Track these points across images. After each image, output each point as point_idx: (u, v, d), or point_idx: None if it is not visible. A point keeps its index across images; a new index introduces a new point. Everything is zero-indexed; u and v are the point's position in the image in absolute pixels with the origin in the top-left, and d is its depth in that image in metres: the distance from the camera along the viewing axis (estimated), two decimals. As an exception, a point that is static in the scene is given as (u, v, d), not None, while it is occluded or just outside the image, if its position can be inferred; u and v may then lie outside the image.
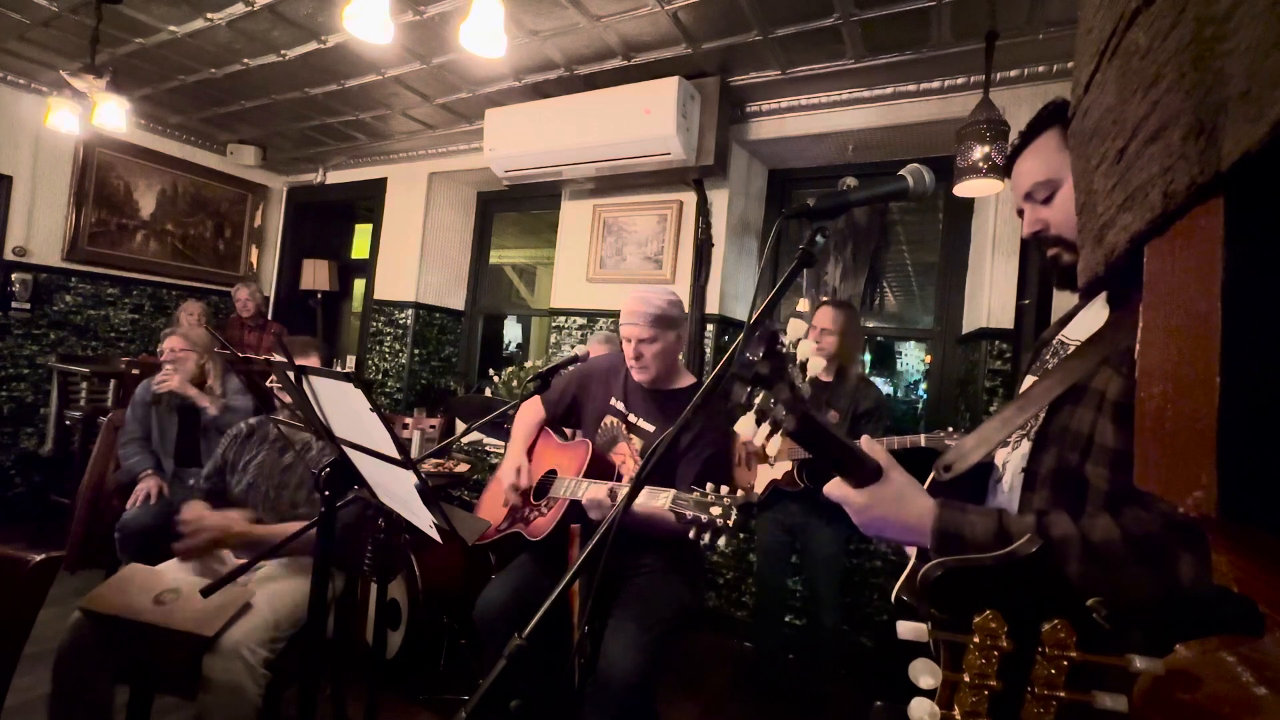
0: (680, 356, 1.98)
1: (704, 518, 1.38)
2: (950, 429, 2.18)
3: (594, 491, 1.68)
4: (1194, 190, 0.35)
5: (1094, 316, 0.93)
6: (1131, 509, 0.74)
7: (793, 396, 0.77)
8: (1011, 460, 0.97)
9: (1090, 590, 0.73)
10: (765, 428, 0.79)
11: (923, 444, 2.16)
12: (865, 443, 0.88)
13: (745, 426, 0.80)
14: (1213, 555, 0.39)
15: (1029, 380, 1.01)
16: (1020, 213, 1.01)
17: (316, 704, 1.41)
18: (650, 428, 1.89)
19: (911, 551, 0.99)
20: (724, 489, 1.42)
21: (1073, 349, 0.93)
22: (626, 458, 1.90)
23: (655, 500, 1.51)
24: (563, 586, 0.81)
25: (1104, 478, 0.80)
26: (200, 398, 2.86)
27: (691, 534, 1.39)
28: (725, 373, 0.86)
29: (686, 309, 3.43)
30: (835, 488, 0.89)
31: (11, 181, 4.22)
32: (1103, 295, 0.94)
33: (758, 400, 0.78)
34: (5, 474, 4.35)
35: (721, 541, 1.38)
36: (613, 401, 1.97)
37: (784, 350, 0.78)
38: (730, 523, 1.36)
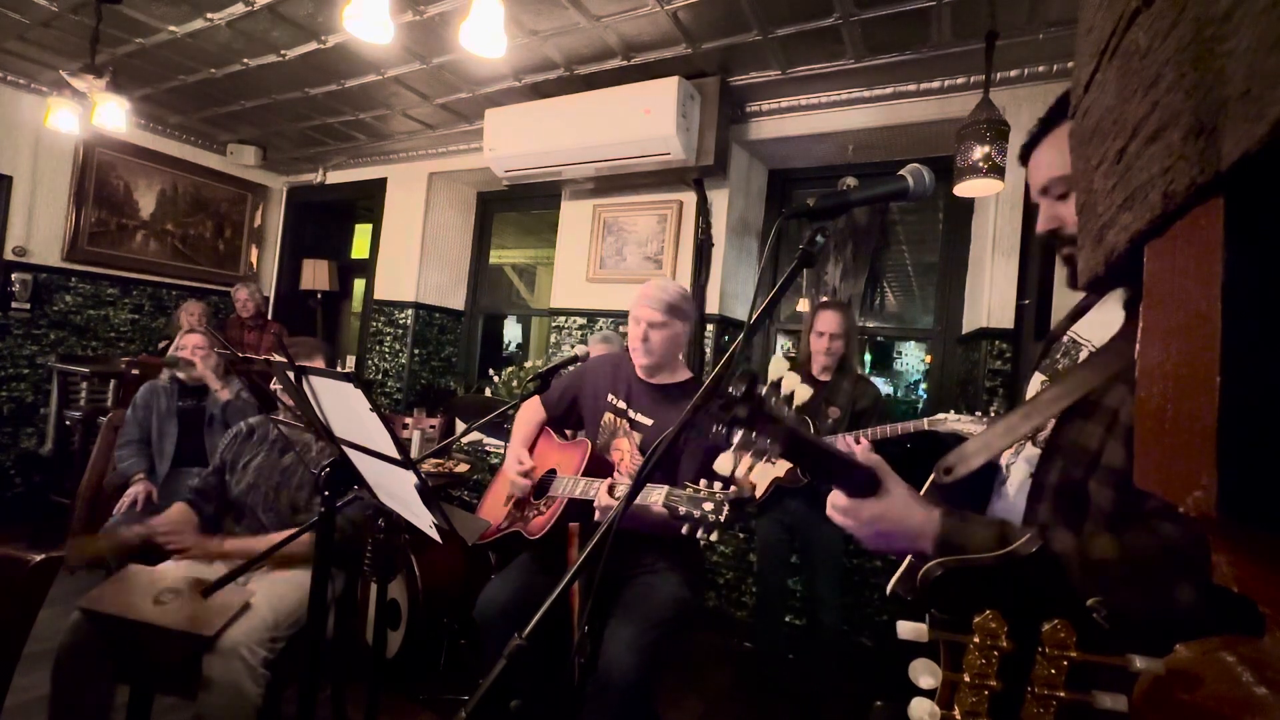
0: (680, 355, 1.99)
1: (696, 513, 1.39)
2: (951, 411, 2.18)
3: (601, 498, 1.69)
4: (1194, 190, 0.35)
5: (1107, 315, 0.91)
6: (1134, 531, 0.74)
7: (774, 429, 0.76)
8: (1017, 464, 0.96)
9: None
10: (747, 460, 0.78)
11: (925, 427, 2.16)
12: (861, 453, 0.88)
13: (724, 465, 0.80)
14: (1213, 555, 0.39)
15: (1038, 380, 1.00)
16: (1035, 206, 0.98)
17: (316, 704, 1.41)
18: (649, 422, 1.90)
19: None
20: (717, 485, 1.43)
21: (1085, 350, 0.91)
22: (625, 454, 1.90)
23: (649, 497, 1.51)
24: (563, 586, 0.81)
25: (1108, 497, 0.79)
26: (212, 380, 2.94)
27: (684, 530, 1.40)
28: (725, 372, 0.86)
29: (691, 308, 3.43)
30: (837, 506, 0.89)
31: (11, 181, 4.22)
32: (1118, 294, 0.90)
33: (737, 439, 0.78)
34: (5, 474, 4.35)
35: (714, 537, 1.38)
36: (611, 398, 1.98)
37: (762, 391, 0.77)
38: (722, 518, 1.37)
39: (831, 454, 0.84)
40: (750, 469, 0.80)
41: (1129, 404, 0.78)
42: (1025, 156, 0.98)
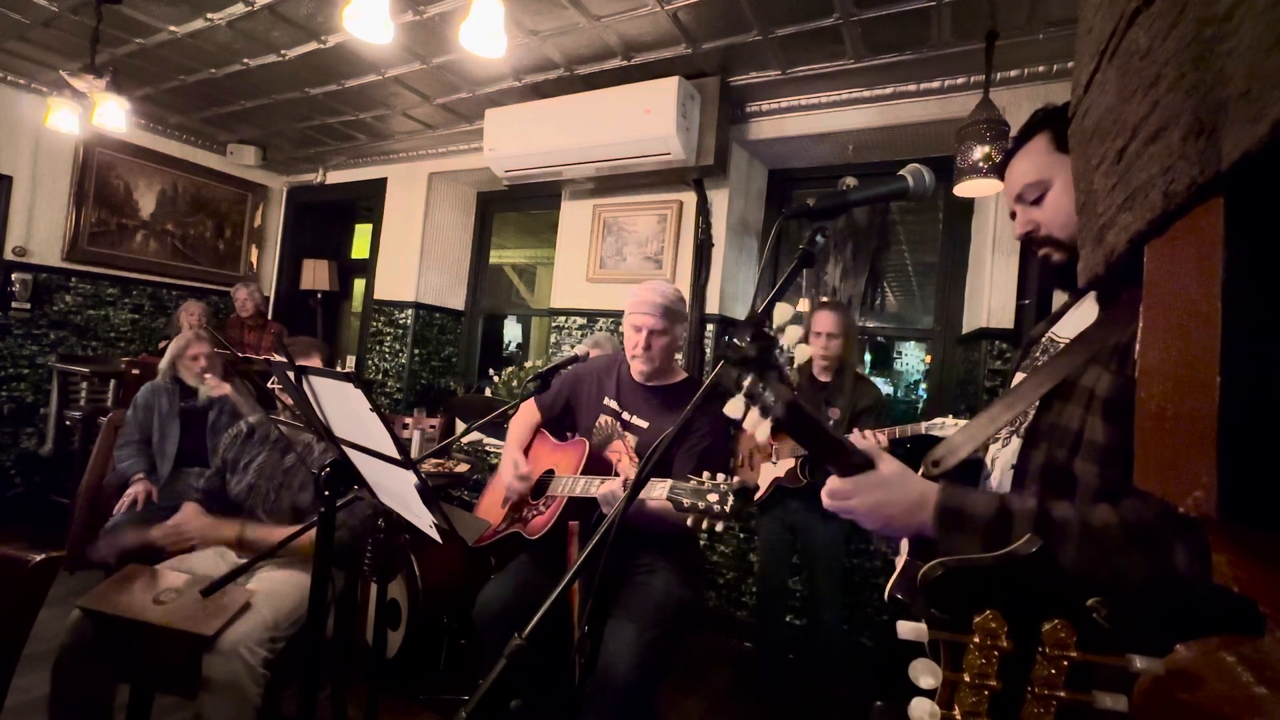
0: (678, 356, 2.00)
1: (701, 505, 1.38)
2: (951, 416, 2.18)
3: (606, 485, 1.68)
4: (1194, 190, 0.35)
5: (1083, 315, 0.94)
6: (1129, 499, 0.75)
7: (781, 381, 0.78)
8: (1001, 457, 0.97)
9: (1086, 575, 0.73)
10: (755, 412, 0.79)
11: (923, 431, 2.16)
12: (855, 436, 0.89)
13: (734, 408, 0.81)
14: (1213, 555, 0.39)
15: (1019, 378, 1.02)
16: (1013, 215, 1.03)
17: (316, 704, 1.41)
18: (644, 424, 1.90)
19: (903, 548, 0.99)
20: (720, 476, 1.42)
21: (1062, 347, 0.93)
22: (622, 455, 1.90)
23: (653, 491, 1.51)
24: (563, 586, 0.81)
25: (1093, 474, 0.80)
26: (241, 404, 2.91)
27: (689, 521, 1.39)
28: (723, 374, 0.86)
29: (686, 309, 3.44)
30: (832, 486, 0.89)
31: (11, 181, 4.21)
32: (1092, 294, 0.95)
33: (746, 383, 0.79)
34: (5, 474, 4.35)
35: (720, 528, 1.38)
36: (606, 400, 1.98)
37: (770, 334, 0.79)
38: (728, 509, 1.36)
39: (828, 432, 0.85)
40: (758, 423, 0.81)
41: (1105, 379, 0.80)
42: (1002, 171, 1.05)
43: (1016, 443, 0.93)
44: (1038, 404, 0.90)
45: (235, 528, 1.93)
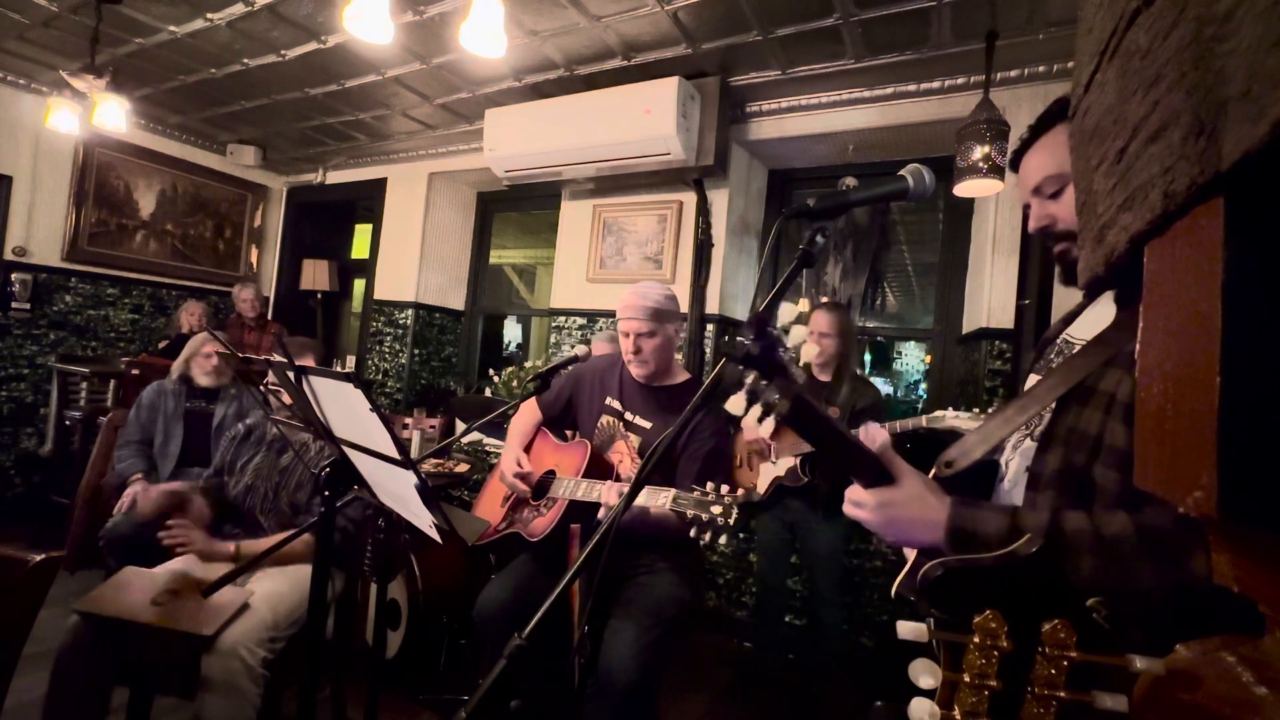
0: (679, 355, 1.99)
1: (705, 516, 1.39)
2: (950, 409, 2.17)
3: (607, 494, 1.68)
4: (1194, 190, 0.35)
5: (1099, 315, 0.93)
6: (1149, 506, 0.73)
7: (786, 379, 0.77)
8: (1015, 460, 0.96)
9: (1103, 584, 0.72)
10: (757, 409, 0.78)
11: (924, 424, 2.16)
12: (874, 431, 0.88)
13: (736, 404, 0.80)
14: (1213, 555, 0.39)
15: (1032, 379, 1.01)
16: (1026, 208, 1.00)
17: (316, 704, 1.41)
18: (647, 425, 1.89)
19: (910, 550, 0.99)
20: (724, 488, 1.43)
21: (1078, 348, 0.92)
22: (624, 456, 1.90)
23: (656, 500, 1.51)
24: (563, 586, 0.81)
25: (1113, 479, 0.79)
26: (253, 403, 2.91)
27: (693, 533, 1.40)
28: (724, 374, 0.86)
29: (686, 309, 3.44)
30: (852, 499, 0.88)
31: (11, 181, 4.22)
32: (1109, 294, 0.93)
33: (749, 380, 0.78)
34: (5, 474, 4.35)
35: (722, 540, 1.38)
36: (608, 400, 1.98)
37: (775, 333, 0.78)
38: (731, 521, 1.37)
39: (838, 429, 0.84)
40: (760, 420, 0.80)
41: (1126, 383, 0.79)
42: (1015, 163, 1.02)
43: (1031, 445, 0.92)
44: (1053, 407, 0.89)
45: (231, 548, 1.93)
